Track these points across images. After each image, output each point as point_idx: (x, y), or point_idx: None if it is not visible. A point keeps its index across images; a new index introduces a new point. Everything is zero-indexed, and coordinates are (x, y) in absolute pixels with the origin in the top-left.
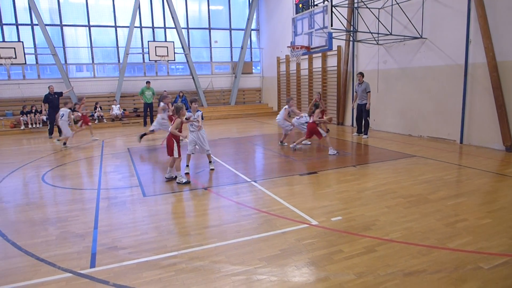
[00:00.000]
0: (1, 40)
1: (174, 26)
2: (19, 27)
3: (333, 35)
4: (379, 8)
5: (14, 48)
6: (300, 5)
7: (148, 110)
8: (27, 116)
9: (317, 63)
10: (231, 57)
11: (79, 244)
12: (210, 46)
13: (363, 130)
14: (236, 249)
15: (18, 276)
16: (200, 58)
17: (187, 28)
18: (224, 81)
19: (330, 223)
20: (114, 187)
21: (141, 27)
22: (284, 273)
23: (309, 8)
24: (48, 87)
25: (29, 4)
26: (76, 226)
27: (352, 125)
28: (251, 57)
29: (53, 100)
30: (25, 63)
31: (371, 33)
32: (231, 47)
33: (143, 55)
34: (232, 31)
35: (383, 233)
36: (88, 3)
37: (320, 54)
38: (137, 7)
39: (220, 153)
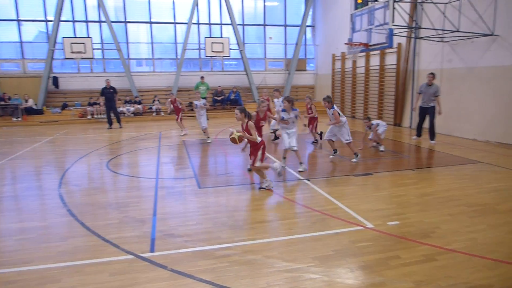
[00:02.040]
0: (73, 36)
1: (230, 22)
2: (89, 24)
3: (394, 31)
4: (445, 3)
5: (84, 43)
6: (359, 1)
7: None
8: (93, 107)
9: (375, 61)
10: (285, 53)
11: (139, 229)
12: (265, 42)
13: (430, 135)
14: (289, 246)
15: (87, 254)
16: (254, 54)
17: (243, 25)
18: (277, 78)
19: (386, 227)
20: (170, 177)
21: (198, 23)
22: (338, 274)
23: (368, 4)
24: (105, 81)
25: (98, 2)
26: (136, 212)
27: (410, 126)
28: (305, 54)
29: (107, 94)
30: (93, 58)
31: (436, 29)
32: (285, 43)
33: (199, 51)
34: (287, 27)
35: (445, 242)
36: (150, 1)
37: (378, 52)
38: (196, 4)
39: (272, 150)
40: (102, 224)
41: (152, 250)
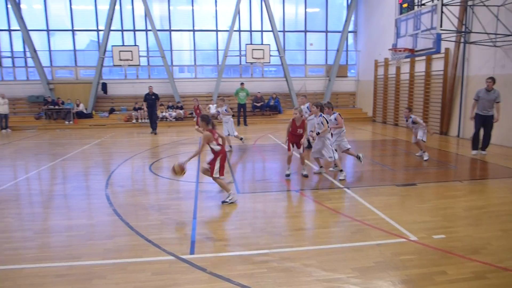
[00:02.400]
0: (122, 44)
1: (271, 29)
2: (136, 32)
3: (442, 36)
4: (498, 6)
5: (131, 51)
6: (405, 5)
7: (242, 110)
8: (137, 112)
9: (420, 67)
10: (326, 59)
11: (180, 231)
12: (305, 48)
13: (481, 145)
14: (328, 255)
15: (130, 252)
16: (294, 60)
17: (283, 31)
18: (317, 84)
19: (431, 240)
20: (210, 181)
21: (239, 30)
22: (379, 287)
23: (414, 8)
24: (148, 87)
25: (145, 12)
26: (177, 214)
27: (458, 135)
28: (347, 60)
29: (149, 100)
30: (139, 65)
31: (488, 33)
32: (326, 49)
33: (240, 58)
34: (328, 33)
35: (496, 259)
36: (194, 9)
37: (424, 57)
38: (237, 11)
39: (311, 157)
40: (144, 225)
41: (192, 252)
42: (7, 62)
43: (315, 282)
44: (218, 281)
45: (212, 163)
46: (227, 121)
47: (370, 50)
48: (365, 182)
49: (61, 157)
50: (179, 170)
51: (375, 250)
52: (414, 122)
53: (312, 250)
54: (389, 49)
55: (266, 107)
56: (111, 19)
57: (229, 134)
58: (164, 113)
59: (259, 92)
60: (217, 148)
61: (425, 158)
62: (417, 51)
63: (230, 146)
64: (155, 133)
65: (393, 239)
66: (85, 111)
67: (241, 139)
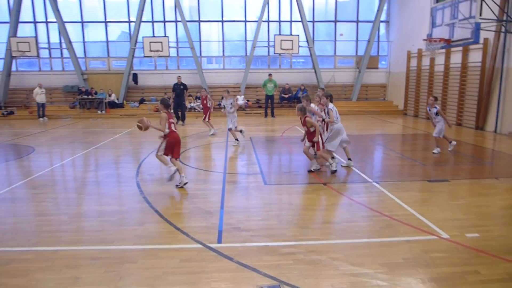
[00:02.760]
0: (152, 35)
1: (300, 19)
2: (166, 23)
3: (481, 26)
4: None
5: (161, 42)
6: None
7: (269, 102)
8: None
9: (456, 58)
10: (356, 50)
11: (208, 220)
12: (335, 39)
13: None
14: (355, 250)
15: (160, 239)
16: (323, 51)
17: (313, 21)
18: (346, 76)
19: (464, 239)
20: (237, 172)
21: (268, 21)
22: (408, 284)
23: None
24: (177, 77)
25: (175, 3)
26: (205, 203)
27: (495, 131)
28: (378, 51)
29: (178, 90)
30: (169, 56)
31: None
32: (356, 40)
33: (268, 48)
34: (359, 23)
35: None
36: (223, 0)
37: (460, 48)
38: (267, 2)
39: (339, 150)
40: (173, 213)
41: (219, 241)
42: (44, 53)
43: (342, 276)
44: (244, 270)
45: (161, 143)
46: (231, 112)
47: (403, 41)
48: (395, 176)
49: (94, 145)
50: (143, 126)
51: (404, 246)
52: (437, 114)
53: (339, 244)
54: (424, 40)
55: (294, 98)
56: (142, 11)
57: (230, 128)
58: (192, 104)
59: (287, 84)
60: (166, 131)
61: (434, 151)
62: (453, 41)
63: (237, 140)
64: (183, 124)
65: (423, 236)
66: (116, 101)
67: (240, 131)
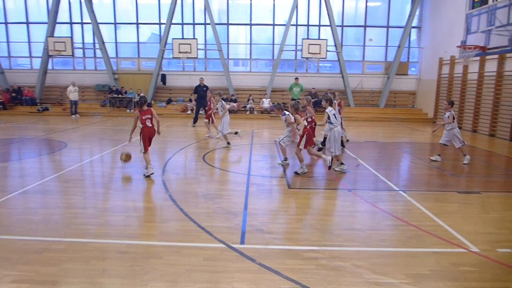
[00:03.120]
0: (181, 37)
1: (329, 23)
2: (195, 26)
3: None
4: None
5: (190, 44)
6: None
7: None
8: (192, 103)
9: (491, 66)
10: (386, 56)
11: (231, 221)
12: (364, 44)
13: None
14: (380, 258)
15: (183, 237)
16: (351, 56)
17: (342, 26)
18: (375, 82)
19: (495, 253)
20: (261, 174)
21: (296, 25)
22: None
23: (488, 2)
24: (199, 79)
25: (204, 6)
26: (228, 204)
27: None
28: (408, 57)
29: (201, 92)
30: (197, 57)
31: None
32: (386, 45)
33: (295, 52)
34: (389, 28)
35: None
36: (252, 3)
37: (496, 56)
38: (295, 5)
39: (365, 157)
40: (197, 212)
41: (242, 242)
42: (78, 52)
43: (365, 284)
44: (267, 272)
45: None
46: (224, 116)
47: (435, 47)
48: (423, 186)
49: (123, 143)
50: (125, 158)
51: (431, 258)
52: (447, 114)
53: (363, 252)
54: (458, 46)
55: (320, 103)
56: (173, 13)
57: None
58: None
59: (313, 88)
60: (140, 126)
61: (464, 162)
62: (489, 49)
63: (228, 143)
64: (193, 126)
65: (451, 248)
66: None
67: (236, 133)
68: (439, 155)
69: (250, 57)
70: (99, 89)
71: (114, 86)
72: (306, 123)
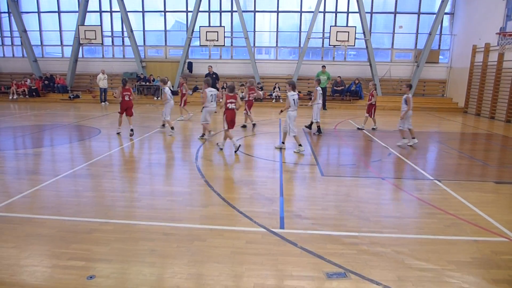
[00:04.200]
0: (208, 25)
1: (357, 10)
2: (222, 13)
3: None
4: None
5: (217, 32)
6: None
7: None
8: (218, 91)
9: None
10: (416, 44)
11: (268, 206)
12: (393, 31)
13: None
14: (420, 245)
15: (224, 221)
16: (380, 44)
17: (371, 13)
18: (403, 70)
19: None
20: (293, 162)
21: (324, 11)
22: (479, 283)
23: None
24: (208, 67)
25: None
26: (264, 190)
27: None
28: (439, 45)
29: (210, 79)
30: (224, 45)
31: None
32: (416, 33)
33: (322, 40)
34: (420, 15)
35: None
36: None
37: None
38: None
39: (396, 146)
40: (235, 197)
41: (282, 227)
42: (107, 41)
43: (408, 269)
44: (309, 256)
45: None
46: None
47: (469, 34)
48: (458, 176)
49: (153, 130)
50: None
51: (472, 246)
52: (406, 102)
53: (403, 238)
54: (497, 33)
55: (347, 91)
56: (200, 0)
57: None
58: (242, 94)
59: (339, 77)
60: (120, 99)
61: (398, 143)
62: None
63: (210, 132)
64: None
65: (492, 237)
66: (171, 88)
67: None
68: (404, 138)
69: (277, 44)
70: (127, 77)
71: (142, 74)
72: (228, 106)
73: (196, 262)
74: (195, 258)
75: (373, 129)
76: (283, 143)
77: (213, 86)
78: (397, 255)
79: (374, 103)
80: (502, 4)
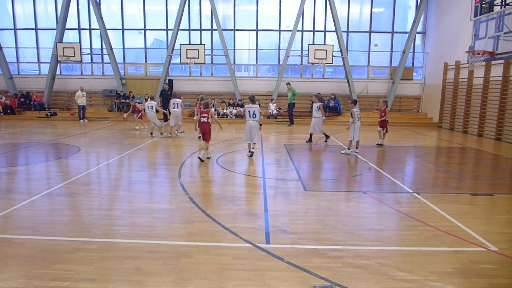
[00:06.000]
0: (188, 43)
1: (334, 29)
2: (202, 32)
3: None
4: None
5: (198, 49)
6: (483, 5)
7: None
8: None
9: (497, 71)
10: (390, 61)
11: (254, 222)
12: (369, 49)
13: None
14: (403, 257)
15: (210, 237)
16: (357, 62)
17: (347, 32)
18: (379, 87)
19: None
20: (276, 177)
21: (302, 30)
22: None
23: (494, 9)
24: (163, 85)
25: (211, 12)
26: (249, 206)
27: None
28: (413, 62)
29: (165, 95)
30: (204, 63)
31: None
32: (391, 51)
33: (301, 58)
34: (394, 34)
35: None
36: (258, 9)
37: (502, 61)
38: (301, 11)
39: (376, 160)
40: (220, 213)
41: (267, 242)
42: (86, 58)
43: (392, 281)
44: (296, 270)
45: None
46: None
47: (440, 52)
48: (436, 188)
49: (135, 147)
50: None
51: (453, 256)
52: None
53: (386, 251)
54: (467, 52)
55: (326, 108)
56: (180, 19)
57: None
58: (225, 110)
59: (319, 93)
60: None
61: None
62: (498, 54)
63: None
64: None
65: (470, 247)
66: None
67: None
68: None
69: (256, 62)
70: (106, 94)
71: (121, 91)
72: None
73: (183, 279)
74: (182, 275)
75: (379, 144)
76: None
77: (167, 100)
78: (381, 267)
79: (388, 119)
80: (470, 24)
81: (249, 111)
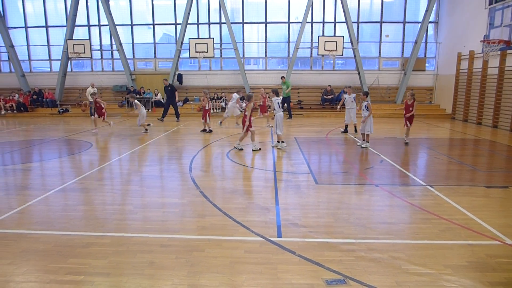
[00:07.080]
0: (197, 37)
1: (344, 20)
2: (211, 25)
3: None
4: None
5: (207, 43)
6: None
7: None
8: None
9: None
10: (402, 52)
11: (265, 215)
12: (380, 40)
13: None
14: (416, 250)
15: (223, 231)
16: (367, 53)
17: (357, 22)
18: (391, 78)
19: None
20: (287, 171)
21: (312, 22)
22: (475, 286)
23: None
24: (163, 81)
25: (220, 5)
26: (260, 199)
27: None
28: (425, 53)
29: (167, 92)
30: (213, 57)
31: None
32: (403, 41)
33: (311, 50)
34: (406, 24)
35: None
36: (267, 1)
37: None
38: (311, 3)
39: (388, 153)
40: (231, 207)
41: (279, 236)
42: (96, 54)
43: (406, 274)
44: (308, 264)
45: None
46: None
47: (453, 42)
48: (450, 181)
49: (146, 142)
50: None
51: (467, 250)
52: (367, 108)
53: (399, 244)
54: (481, 41)
55: (337, 100)
56: (189, 13)
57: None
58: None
59: (329, 86)
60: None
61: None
62: None
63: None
64: (178, 120)
65: (485, 241)
66: (162, 100)
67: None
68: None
69: (266, 55)
70: (116, 90)
71: (132, 86)
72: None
73: (195, 273)
74: (194, 269)
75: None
76: (279, 142)
77: (171, 97)
78: (394, 260)
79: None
80: (485, 12)
81: (278, 103)
